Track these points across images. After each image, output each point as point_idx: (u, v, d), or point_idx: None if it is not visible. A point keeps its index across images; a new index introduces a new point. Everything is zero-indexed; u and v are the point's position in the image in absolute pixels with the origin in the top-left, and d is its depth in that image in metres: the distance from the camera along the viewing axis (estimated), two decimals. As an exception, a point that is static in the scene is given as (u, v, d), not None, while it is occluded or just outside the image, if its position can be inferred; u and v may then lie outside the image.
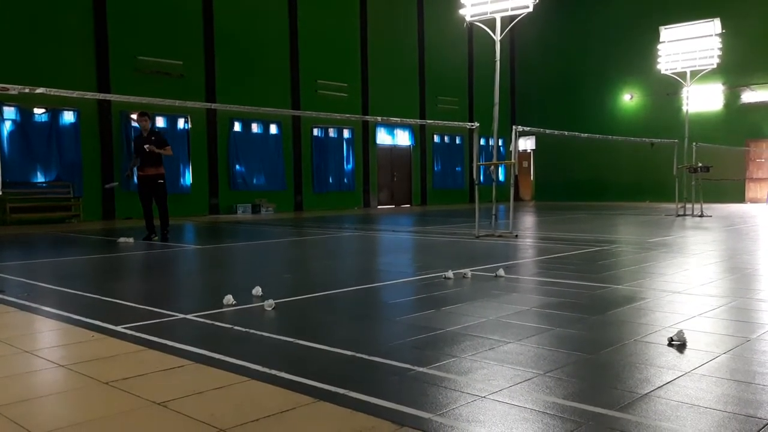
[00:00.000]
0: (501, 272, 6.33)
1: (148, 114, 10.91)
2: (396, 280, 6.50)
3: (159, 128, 16.87)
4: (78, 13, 16.44)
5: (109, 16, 16.86)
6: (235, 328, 4.24)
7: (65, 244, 10.94)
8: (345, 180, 22.71)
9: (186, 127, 18.47)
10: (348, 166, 22.80)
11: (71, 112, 16.29)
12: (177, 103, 9.73)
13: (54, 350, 3.79)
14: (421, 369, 3.26)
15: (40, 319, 4.67)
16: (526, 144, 28.91)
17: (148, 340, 3.93)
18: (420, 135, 25.48)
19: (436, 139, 26.23)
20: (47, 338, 4.14)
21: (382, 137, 24.30)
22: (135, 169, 10.87)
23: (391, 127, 24.39)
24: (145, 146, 10.41)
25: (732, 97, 23.58)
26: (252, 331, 4.15)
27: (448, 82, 26.28)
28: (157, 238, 10.69)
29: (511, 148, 11.67)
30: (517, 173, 26.93)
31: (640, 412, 2.65)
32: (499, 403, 2.77)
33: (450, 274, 6.21)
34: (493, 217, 11.17)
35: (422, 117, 24.62)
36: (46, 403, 2.93)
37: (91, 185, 16.66)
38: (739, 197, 23.30)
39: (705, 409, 2.67)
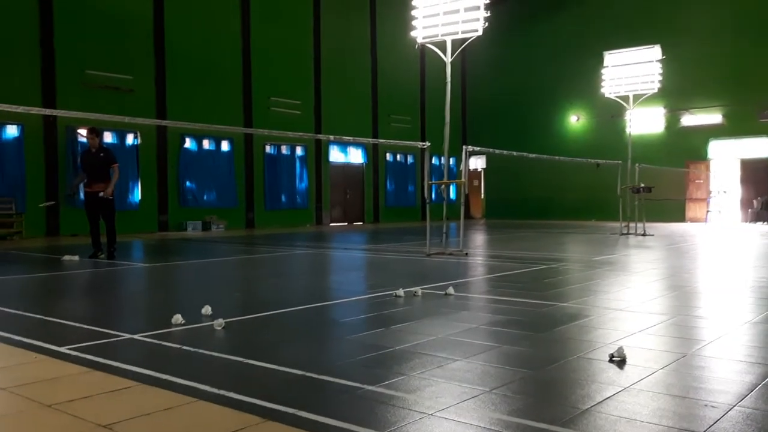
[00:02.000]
0: (451, 290, 6.42)
1: (97, 130, 10.69)
2: (347, 298, 6.53)
3: (107, 144, 16.54)
4: (23, 25, 16.04)
5: (56, 28, 16.51)
6: (184, 348, 4.20)
7: (6, 262, 10.58)
8: (297, 197, 22.63)
9: (135, 143, 18.16)
10: (301, 184, 22.74)
11: (15, 126, 15.83)
12: (126, 119, 9.61)
13: (-6, 373, 3.69)
14: (370, 387, 3.30)
15: (-20, 340, 4.52)
16: (477, 163, 29.38)
17: (94, 361, 3.86)
18: (373, 153, 25.64)
19: (389, 157, 26.42)
20: (-13, 360, 4.02)
21: (335, 155, 24.36)
22: (81, 185, 10.61)
23: (344, 145, 24.47)
24: (100, 193, 10.21)
25: (672, 121, 24.52)
26: (201, 350, 4.12)
27: (401, 101, 26.57)
28: (103, 255, 10.45)
29: (462, 167, 11.87)
30: (467, 192, 27.35)
31: (581, 427, 2.74)
32: (446, 420, 2.83)
33: (401, 292, 6.27)
34: (444, 235, 11.32)
35: (375, 136, 24.78)
36: (-15, 427, 2.85)
37: (34, 201, 16.14)
38: (680, 216, 24.14)
39: (642, 423, 2.78)
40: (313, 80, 23.12)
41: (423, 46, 11.92)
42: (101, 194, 10.28)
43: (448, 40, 11.25)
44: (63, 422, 2.85)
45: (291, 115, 21.90)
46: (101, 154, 10.44)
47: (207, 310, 5.28)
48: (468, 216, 28.31)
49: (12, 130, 15.83)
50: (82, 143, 16.84)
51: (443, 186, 11.81)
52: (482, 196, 30.04)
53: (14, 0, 15.92)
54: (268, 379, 3.54)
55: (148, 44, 18.51)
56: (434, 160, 26.43)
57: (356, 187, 25.30)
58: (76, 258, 10.21)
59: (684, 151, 23.97)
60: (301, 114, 22.39)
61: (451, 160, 26.32)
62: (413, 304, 5.88)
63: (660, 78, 16.64)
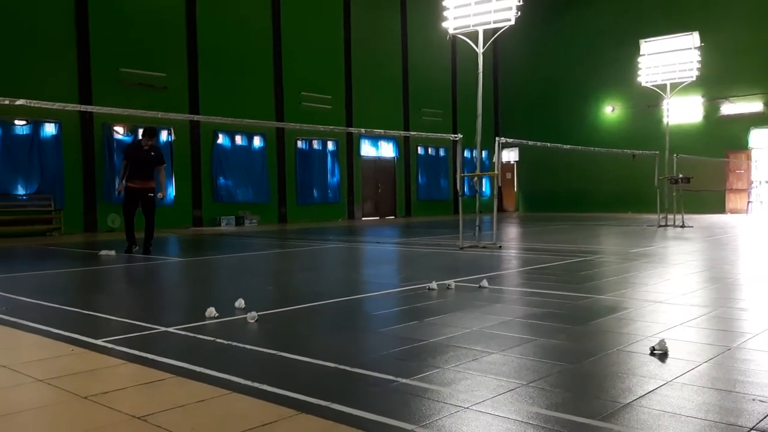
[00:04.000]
0: (485, 283, 6.34)
1: (155, 131, 10.88)
2: (380, 291, 6.49)
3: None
4: (60, 24, 16.34)
5: (92, 28, 16.77)
6: (218, 340, 4.20)
7: (46, 257, 10.81)
8: (329, 192, 22.68)
9: (169, 139, 18.38)
10: (332, 178, 22.78)
11: (53, 124, 16.14)
12: (160, 115, 9.71)
13: (33, 364, 3.74)
14: (404, 380, 3.25)
15: (20, 333, 4.60)
16: (510, 155, 29.09)
17: (129, 353, 3.89)
18: (404, 147, 25.56)
19: (420, 150, 26.31)
20: (26, 352, 4.08)
21: (367, 149, 24.34)
22: (118, 178, 10.78)
23: (375, 139, 24.44)
24: (156, 195, 10.48)
25: (711, 109, 23.92)
26: (234, 343, 4.12)
27: (432, 94, 26.42)
28: (137, 248, 10.59)
29: (495, 159, 11.73)
30: (500, 184, 27.12)
31: (622, 421, 2.66)
32: (482, 413, 2.77)
33: (434, 285, 6.21)
34: (477, 228, 11.21)
35: (406, 129, 24.69)
36: (25, 418, 2.88)
37: (72, 198, 16.50)
38: (720, 208, 23.57)
39: (686, 418, 2.68)
40: (343, 74, 23.12)
41: (454, 37, 11.80)
42: (159, 195, 10.49)
43: (480, 30, 11.11)
44: (99, 413, 2.86)
45: (322, 109, 21.93)
46: (152, 153, 10.55)
47: (240, 303, 5.29)
48: (501, 209, 28.05)
49: (50, 128, 16.14)
50: (117, 140, 17.11)
51: (476, 179, 11.70)
52: (515, 189, 29.75)
53: (51, 1, 16.22)
54: (302, 371, 3.52)
55: (181, 42, 18.71)
56: (466, 153, 26.25)
57: (388, 180, 25.26)
58: (113, 253, 10.38)
59: (723, 140, 23.38)
60: (332, 108, 22.41)
61: (484, 153, 26.18)
62: (447, 297, 5.81)
63: (698, 66, 16.24)
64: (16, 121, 15.62)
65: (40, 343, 4.27)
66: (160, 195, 10.59)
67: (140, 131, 11.58)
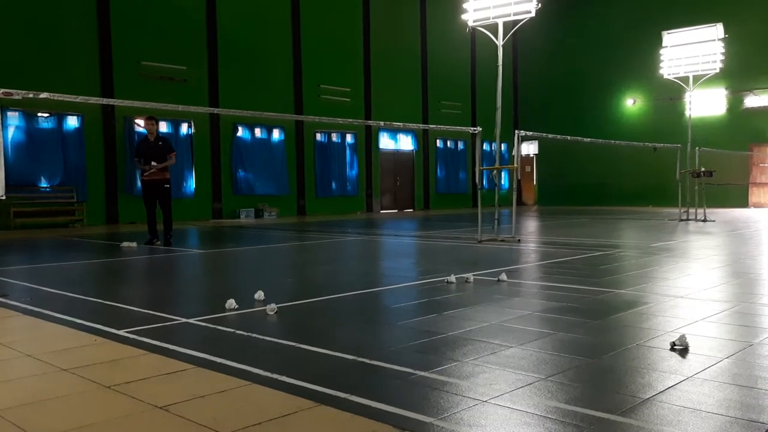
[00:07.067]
0: (503, 277, 6.33)
1: (155, 118, 10.87)
2: (398, 284, 6.50)
3: (163, 133, 16.90)
4: (82, 18, 16.50)
5: (113, 22, 16.92)
6: (237, 332, 4.24)
7: (69, 248, 10.95)
8: (348, 185, 22.72)
9: (189, 132, 18.52)
10: (351, 171, 22.81)
11: (75, 117, 16.34)
12: (180, 107, 9.78)
13: (56, 354, 3.80)
14: (422, 373, 3.26)
15: (43, 323, 4.68)
16: (529, 149, 28.92)
17: (151, 344, 3.94)
18: (423, 140, 25.51)
19: (439, 143, 26.25)
20: (49, 342, 4.14)
21: (385, 142, 24.33)
22: (138, 172, 10.86)
23: (394, 132, 24.41)
24: (152, 164, 10.38)
25: (735, 102, 23.57)
26: (254, 335, 4.15)
27: (451, 87, 26.32)
28: (159, 242, 10.70)
29: (514, 152, 11.67)
30: (519, 178, 26.98)
31: (642, 416, 2.65)
32: (501, 407, 2.77)
33: (452, 278, 6.20)
34: (496, 221, 11.17)
35: (425, 122, 24.65)
36: (47, 406, 2.93)
37: (95, 190, 16.70)
38: (743, 202, 23.25)
39: (707, 414, 2.66)
40: (362, 67, 23.11)
41: (474, 29, 11.74)
42: (154, 164, 10.42)
43: (500, 22, 11.04)
44: (121, 403, 2.91)
45: (341, 102, 21.95)
46: (159, 143, 10.64)
47: (260, 295, 5.33)
48: (519, 202, 27.92)
49: (73, 121, 16.35)
50: (138, 133, 17.28)
51: (495, 172, 11.64)
52: (534, 182, 29.59)
53: (73, -6, 16.40)
54: (321, 363, 3.54)
55: (201, 35, 18.81)
56: (485, 146, 26.14)
57: (406, 174, 25.23)
58: (134, 245, 10.49)
59: (747, 133, 23.03)
60: (351, 101, 22.43)
61: (503, 146, 26.03)
62: (465, 291, 5.81)
63: (722, 58, 16.00)
64: (40, 114, 15.82)
65: (64, 333, 4.34)
66: (154, 164, 10.38)
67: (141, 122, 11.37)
